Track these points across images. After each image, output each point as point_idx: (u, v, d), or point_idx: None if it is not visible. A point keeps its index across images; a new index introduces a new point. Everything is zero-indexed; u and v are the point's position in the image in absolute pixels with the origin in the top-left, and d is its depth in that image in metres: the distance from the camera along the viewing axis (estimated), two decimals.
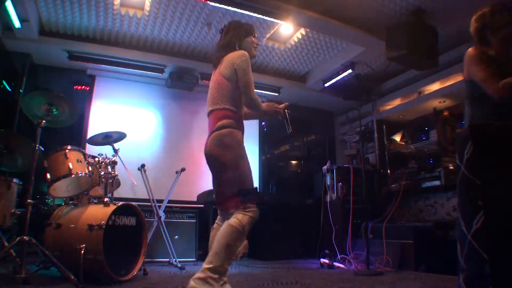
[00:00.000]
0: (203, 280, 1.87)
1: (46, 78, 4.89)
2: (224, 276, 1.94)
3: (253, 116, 2.49)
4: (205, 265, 1.91)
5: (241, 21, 2.48)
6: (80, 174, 2.81)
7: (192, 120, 5.39)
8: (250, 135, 5.70)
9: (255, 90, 2.25)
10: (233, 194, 2.01)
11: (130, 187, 3.48)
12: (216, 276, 1.89)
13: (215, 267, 1.89)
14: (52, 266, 2.63)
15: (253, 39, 2.35)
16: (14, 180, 3.06)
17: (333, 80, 5.21)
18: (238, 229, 1.94)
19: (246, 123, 2.31)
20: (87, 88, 5.03)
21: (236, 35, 2.31)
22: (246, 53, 2.20)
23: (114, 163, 3.14)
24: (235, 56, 2.18)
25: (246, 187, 2.01)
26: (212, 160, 2.12)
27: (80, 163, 2.84)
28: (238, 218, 1.96)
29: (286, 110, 2.40)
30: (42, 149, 2.76)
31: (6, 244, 2.71)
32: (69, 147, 2.85)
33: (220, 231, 1.97)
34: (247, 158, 2.10)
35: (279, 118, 2.42)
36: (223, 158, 2.04)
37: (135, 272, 2.77)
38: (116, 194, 3.43)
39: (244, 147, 2.13)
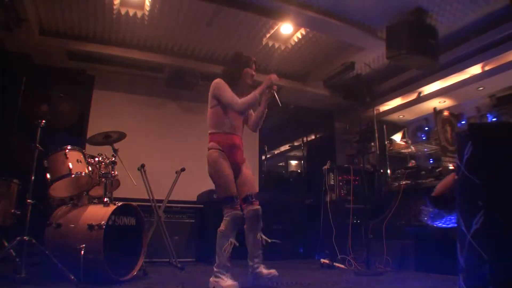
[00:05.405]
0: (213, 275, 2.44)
1: (46, 78, 4.88)
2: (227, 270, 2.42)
3: (258, 115, 2.77)
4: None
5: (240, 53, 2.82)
6: (80, 174, 2.81)
7: (192, 120, 5.39)
8: (249, 135, 5.71)
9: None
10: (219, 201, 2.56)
11: (130, 187, 3.47)
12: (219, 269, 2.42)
13: (217, 266, 2.42)
14: (52, 266, 2.62)
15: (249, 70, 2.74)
16: (14, 180, 3.05)
17: (333, 80, 5.21)
18: (220, 232, 2.46)
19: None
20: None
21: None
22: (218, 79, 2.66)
23: (114, 163, 3.14)
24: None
25: (220, 196, 2.52)
26: None
27: (80, 163, 2.84)
28: (222, 223, 2.48)
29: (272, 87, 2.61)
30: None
31: (6, 244, 2.71)
32: (69, 147, 2.85)
33: None
34: (222, 172, 2.51)
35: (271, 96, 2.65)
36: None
37: (135, 272, 2.77)
38: (116, 194, 3.42)
39: (221, 163, 2.52)
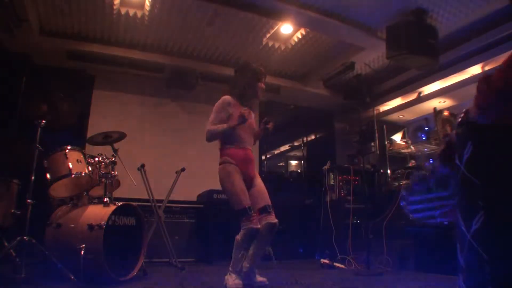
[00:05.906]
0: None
1: (46, 78, 4.88)
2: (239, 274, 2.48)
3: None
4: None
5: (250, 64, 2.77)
6: (80, 174, 2.81)
7: (192, 120, 5.39)
8: None
9: None
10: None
11: (130, 187, 3.47)
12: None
13: (231, 267, 2.47)
14: (52, 266, 2.62)
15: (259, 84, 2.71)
16: (14, 180, 3.05)
17: (333, 80, 5.21)
18: (236, 241, 2.48)
19: None
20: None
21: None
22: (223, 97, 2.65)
23: (113, 163, 3.14)
24: None
25: (235, 209, 2.49)
26: None
27: (80, 163, 2.84)
28: (239, 234, 2.47)
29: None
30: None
31: (6, 244, 2.71)
32: (69, 147, 2.85)
33: None
34: (235, 185, 2.50)
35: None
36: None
37: (135, 272, 2.77)
38: (116, 194, 3.42)
39: (233, 176, 2.51)
